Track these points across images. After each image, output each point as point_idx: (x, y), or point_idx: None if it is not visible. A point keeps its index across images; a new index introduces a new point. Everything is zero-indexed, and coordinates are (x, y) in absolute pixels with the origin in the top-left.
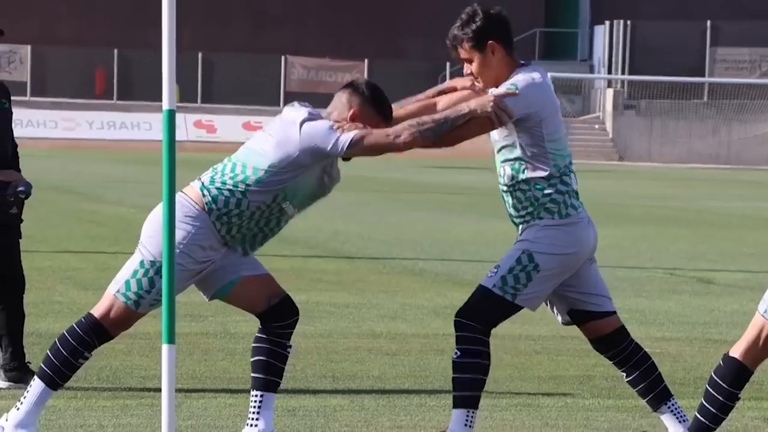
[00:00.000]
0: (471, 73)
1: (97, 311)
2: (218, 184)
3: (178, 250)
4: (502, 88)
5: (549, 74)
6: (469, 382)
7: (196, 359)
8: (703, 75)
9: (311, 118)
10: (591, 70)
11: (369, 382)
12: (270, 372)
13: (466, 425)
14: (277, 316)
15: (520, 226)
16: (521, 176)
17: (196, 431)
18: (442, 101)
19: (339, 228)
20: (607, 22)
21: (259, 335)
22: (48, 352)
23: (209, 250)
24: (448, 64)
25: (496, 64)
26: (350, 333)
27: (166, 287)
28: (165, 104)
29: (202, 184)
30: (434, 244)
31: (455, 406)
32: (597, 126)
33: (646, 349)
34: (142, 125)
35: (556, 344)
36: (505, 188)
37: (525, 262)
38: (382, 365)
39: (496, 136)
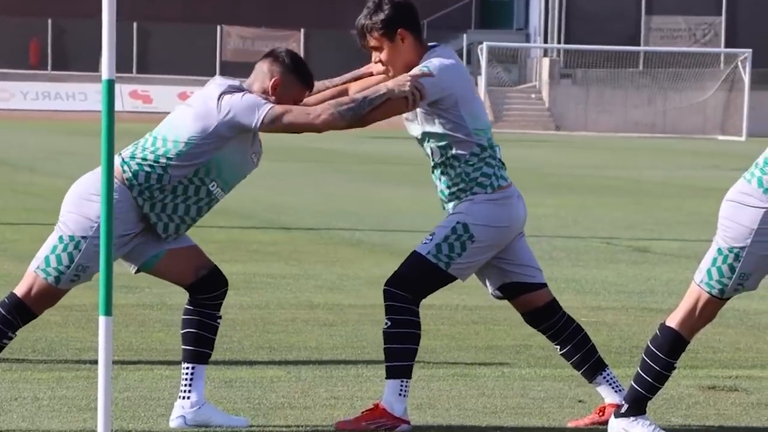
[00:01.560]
0: (380, 61)
1: (19, 290)
2: (139, 159)
3: (97, 225)
4: (416, 71)
5: (485, 44)
6: (401, 352)
7: (132, 331)
8: (638, 44)
9: (230, 91)
10: (527, 39)
11: (306, 353)
12: (201, 344)
13: (400, 395)
14: (206, 288)
15: (451, 204)
16: (449, 152)
17: (133, 403)
18: (354, 87)
19: (276, 199)
20: None
21: (188, 307)
22: None
23: (129, 224)
24: None
25: (405, 51)
26: (287, 304)
27: (104, 259)
28: (104, 74)
29: (123, 159)
30: (371, 215)
31: (388, 376)
32: (533, 95)
33: (581, 320)
34: (77, 96)
35: (492, 314)
36: (434, 166)
37: (460, 232)
38: (319, 336)
39: (415, 131)
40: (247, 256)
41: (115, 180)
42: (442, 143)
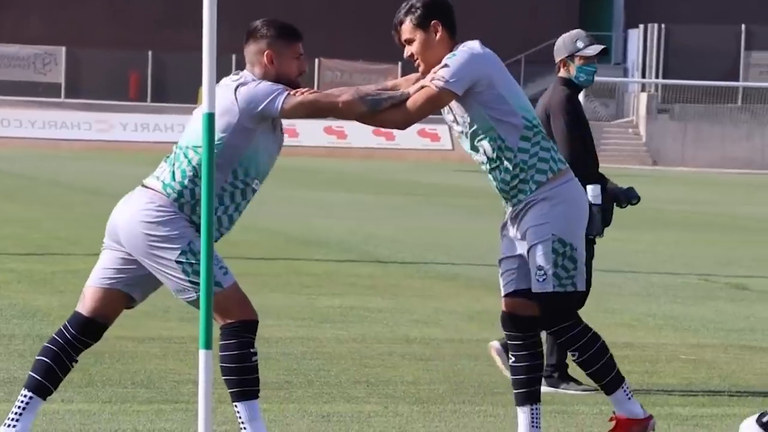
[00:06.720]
0: (411, 55)
1: (221, 320)
2: (179, 178)
3: (177, 234)
4: (443, 61)
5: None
6: (604, 368)
7: None
8: (737, 79)
9: (245, 82)
10: (625, 74)
11: (403, 388)
12: (49, 377)
13: (629, 398)
14: (91, 332)
15: (514, 200)
16: (501, 144)
17: None
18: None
19: (372, 231)
20: (642, 26)
21: (57, 338)
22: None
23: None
24: None
25: (437, 45)
26: (384, 338)
27: (204, 291)
28: (205, 107)
29: (163, 182)
30: (468, 249)
31: (607, 392)
32: (630, 130)
33: (679, 358)
34: (175, 127)
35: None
36: (490, 166)
37: (561, 249)
38: (416, 370)
39: (459, 126)
40: (344, 289)
41: (168, 203)
42: (488, 128)
